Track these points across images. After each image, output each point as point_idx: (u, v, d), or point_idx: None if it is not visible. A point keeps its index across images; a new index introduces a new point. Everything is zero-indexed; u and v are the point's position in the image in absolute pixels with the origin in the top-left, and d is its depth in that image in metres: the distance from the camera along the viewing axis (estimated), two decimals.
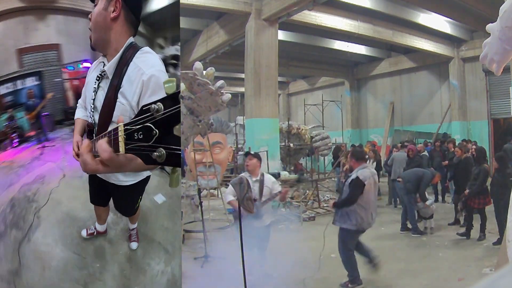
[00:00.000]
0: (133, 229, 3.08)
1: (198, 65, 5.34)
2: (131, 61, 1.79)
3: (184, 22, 12.00)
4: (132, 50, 1.84)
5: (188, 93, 5.30)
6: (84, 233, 3.04)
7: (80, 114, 2.26)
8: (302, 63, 16.88)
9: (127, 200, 2.59)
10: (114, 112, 1.78)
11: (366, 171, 4.34)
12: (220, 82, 5.37)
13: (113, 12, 1.83)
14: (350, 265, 4.38)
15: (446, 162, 8.79)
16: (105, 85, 1.88)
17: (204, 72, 5.36)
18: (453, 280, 4.47)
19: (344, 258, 4.42)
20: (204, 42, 12.71)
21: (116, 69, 1.82)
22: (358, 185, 4.21)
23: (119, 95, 1.77)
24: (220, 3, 9.83)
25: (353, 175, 4.33)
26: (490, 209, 6.04)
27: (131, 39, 1.90)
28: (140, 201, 2.68)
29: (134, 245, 3.06)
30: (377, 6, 10.97)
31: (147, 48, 1.88)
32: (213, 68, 5.50)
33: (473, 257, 5.25)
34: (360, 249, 4.55)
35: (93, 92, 1.93)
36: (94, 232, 3.05)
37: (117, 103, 1.77)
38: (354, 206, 4.22)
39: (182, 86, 5.27)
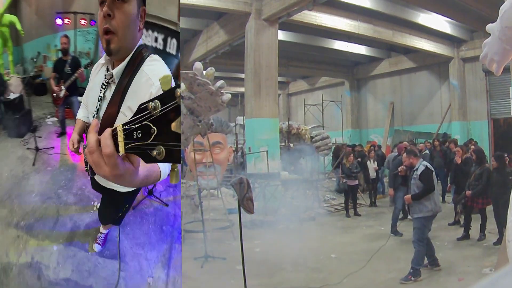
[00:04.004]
0: (103, 233, 3.08)
1: (198, 65, 5.34)
2: (140, 67, 1.72)
3: (184, 22, 11.98)
4: (141, 54, 1.77)
5: (188, 93, 5.30)
6: (97, 248, 3.09)
7: (81, 115, 2.24)
8: (302, 63, 16.85)
9: (111, 208, 2.54)
10: (116, 121, 1.65)
11: (426, 162, 4.88)
12: (220, 82, 5.37)
13: (140, 21, 1.74)
14: (419, 258, 4.58)
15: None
16: (109, 94, 1.79)
17: (204, 72, 5.37)
18: (453, 280, 4.47)
19: (417, 248, 4.59)
20: (204, 42, 12.71)
21: (124, 72, 1.74)
22: (430, 174, 4.69)
23: (124, 106, 1.66)
24: (220, 3, 9.82)
25: (421, 168, 4.76)
26: (490, 209, 6.03)
27: (141, 41, 1.82)
28: (126, 211, 2.61)
29: (97, 247, 3.06)
30: (377, 6, 10.95)
31: (156, 56, 1.81)
32: (213, 68, 5.51)
33: (473, 257, 5.25)
34: (427, 244, 4.76)
35: (98, 101, 1.83)
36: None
37: (121, 116, 1.64)
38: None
39: (182, 86, 5.27)
